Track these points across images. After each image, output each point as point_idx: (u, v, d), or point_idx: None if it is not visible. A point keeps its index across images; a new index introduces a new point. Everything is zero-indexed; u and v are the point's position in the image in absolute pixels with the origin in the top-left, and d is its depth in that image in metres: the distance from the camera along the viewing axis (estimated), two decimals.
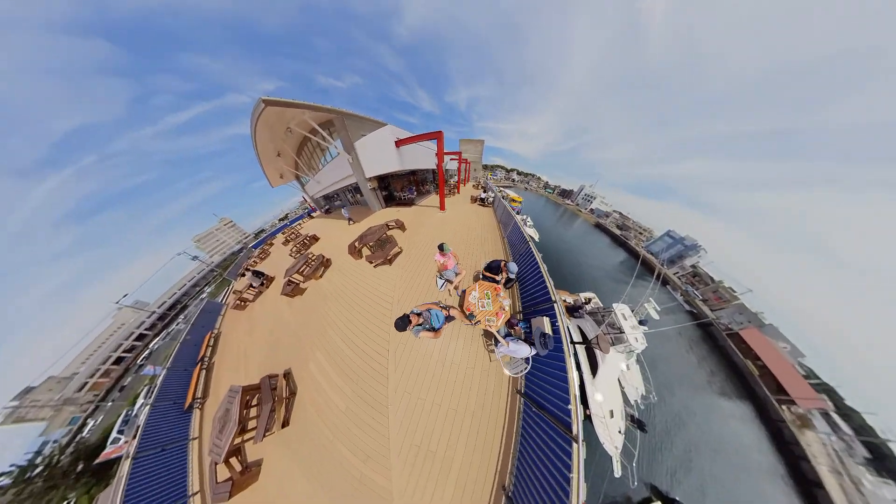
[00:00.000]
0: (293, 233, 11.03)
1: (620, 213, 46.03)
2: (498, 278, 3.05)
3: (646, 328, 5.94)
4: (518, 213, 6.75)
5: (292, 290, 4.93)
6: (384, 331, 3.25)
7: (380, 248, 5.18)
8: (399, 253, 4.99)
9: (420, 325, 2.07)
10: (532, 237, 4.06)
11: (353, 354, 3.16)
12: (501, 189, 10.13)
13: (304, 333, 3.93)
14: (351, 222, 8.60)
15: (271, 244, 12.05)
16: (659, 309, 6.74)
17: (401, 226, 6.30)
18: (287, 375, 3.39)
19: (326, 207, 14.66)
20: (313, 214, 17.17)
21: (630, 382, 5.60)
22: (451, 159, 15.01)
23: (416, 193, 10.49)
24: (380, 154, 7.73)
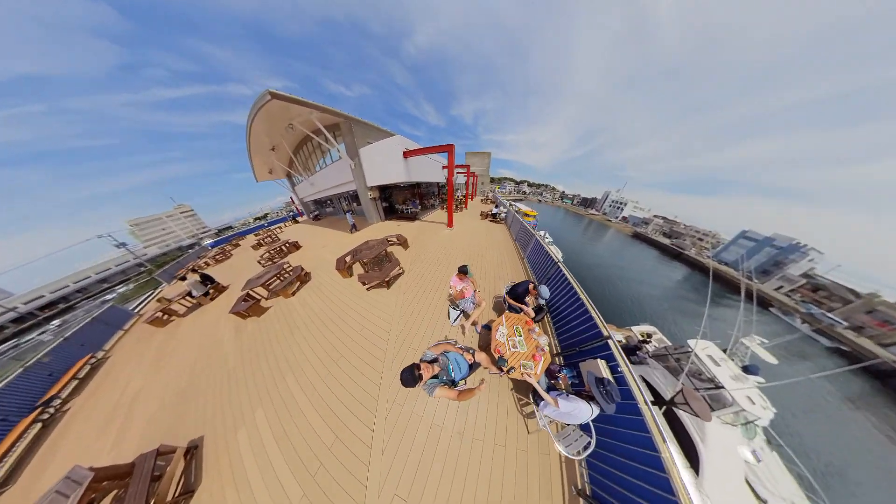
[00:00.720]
0: (269, 235, 10.49)
1: (664, 218, 40.65)
2: (526, 306, 2.53)
3: (759, 378, 3.96)
4: (534, 227, 6.73)
5: (248, 307, 3.92)
6: (372, 382, 2.47)
7: (377, 266, 4.74)
8: (400, 274, 4.64)
9: (436, 376, 1.59)
10: (556, 256, 3.48)
11: (320, 421, 2.20)
12: (512, 203, 10.60)
13: (247, 376, 2.86)
14: (354, 230, 8.57)
15: (236, 245, 11.40)
16: (769, 344, 4.78)
17: (403, 242, 6.02)
18: (192, 452, 2.20)
19: (315, 213, 14.96)
20: (299, 219, 17.35)
21: (772, 486, 3.33)
22: (459, 173, 15.99)
23: (419, 207, 10.89)
24: (385, 163, 8.04)
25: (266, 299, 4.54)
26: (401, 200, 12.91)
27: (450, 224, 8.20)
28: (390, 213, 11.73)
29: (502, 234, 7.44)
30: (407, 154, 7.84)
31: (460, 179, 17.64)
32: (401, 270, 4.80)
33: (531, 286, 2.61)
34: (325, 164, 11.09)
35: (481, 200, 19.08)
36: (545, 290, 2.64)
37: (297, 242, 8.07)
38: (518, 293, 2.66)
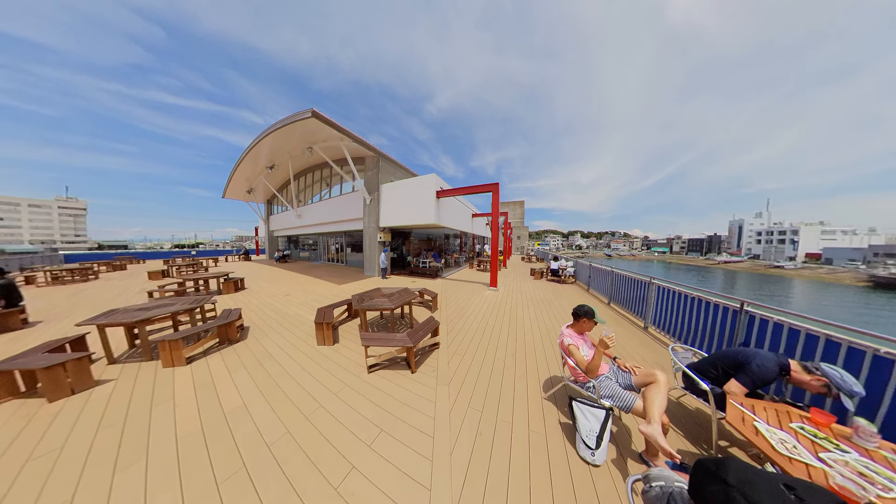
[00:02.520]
0: (192, 266, 10.48)
1: None
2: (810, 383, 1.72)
3: None
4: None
5: (48, 372, 2.30)
6: None
7: (388, 330, 3.89)
8: (433, 347, 3.47)
9: None
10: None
11: None
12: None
13: None
14: (383, 276, 9.05)
15: (119, 267, 11.15)
16: None
17: (431, 299, 5.41)
18: None
19: (284, 253, 15.71)
20: (253, 256, 18.15)
21: None
22: (487, 224, 17.59)
23: (442, 262, 11.08)
24: (409, 203, 8.83)
25: (114, 361, 2.85)
26: (414, 252, 13.31)
27: (493, 283, 7.67)
28: (399, 266, 11.72)
29: (581, 296, 6.69)
30: (441, 194, 8.67)
31: (484, 232, 19.52)
32: (434, 342, 3.63)
33: (798, 365, 1.81)
34: (327, 195, 12.46)
35: (522, 259, 20.26)
36: (847, 379, 1.66)
37: (241, 280, 7.37)
38: (755, 373, 1.82)
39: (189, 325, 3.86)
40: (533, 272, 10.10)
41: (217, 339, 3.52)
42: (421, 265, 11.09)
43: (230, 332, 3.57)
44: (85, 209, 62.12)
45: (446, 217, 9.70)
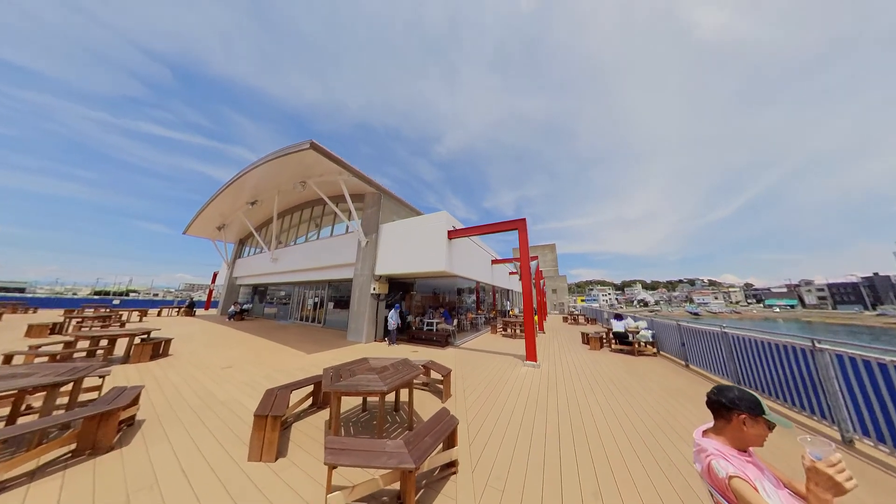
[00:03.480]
0: (103, 319, 9.66)
1: None
2: None
3: None
4: None
5: None
6: None
7: (372, 433, 2.76)
8: (449, 474, 2.29)
9: None
10: None
11: None
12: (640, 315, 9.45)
13: None
14: (391, 341, 8.50)
15: None
16: None
17: (443, 380, 4.17)
18: None
19: (241, 308, 14.58)
20: (199, 310, 17.57)
21: None
22: (512, 272, 17.34)
23: (454, 325, 9.79)
24: (413, 246, 8.68)
25: None
26: (417, 310, 12.35)
27: (531, 355, 6.33)
28: (398, 330, 10.69)
29: (677, 373, 5.08)
30: (453, 234, 8.46)
31: (508, 284, 18.44)
32: (449, 459, 2.42)
33: None
34: (315, 237, 12.64)
35: (564, 319, 18.40)
36: None
37: (165, 344, 6.37)
38: None
39: (37, 416, 2.86)
40: (586, 338, 8.72)
41: (75, 444, 2.46)
42: (426, 327, 9.90)
43: (104, 430, 2.55)
44: None
45: (460, 263, 9.19)
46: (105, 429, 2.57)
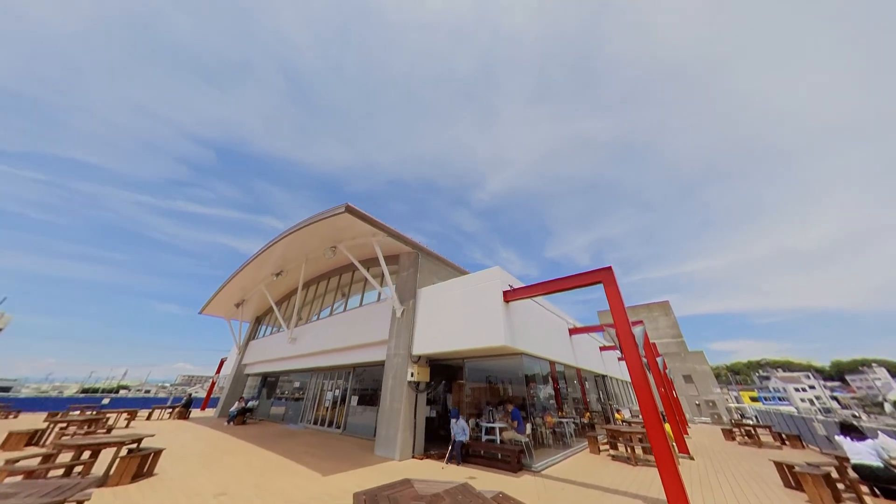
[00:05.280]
0: (95, 424, 10.52)
1: None
2: None
3: None
4: None
5: None
6: None
7: None
8: None
9: None
10: None
11: None
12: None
13: None
14: (457, 460, 7.74)
15: None
16: None
17: None
18: None
19: (243, 406, 14.91)
20: (192, 410, 17.28)
21: None
22: (604, 348, 15.29)
23: (526, 433, 8.08)
24: (459, 315, 8.47)
25: None
26: (469, 409, 11.03)
27: (679, 499, 4.62)
28: (434, 437, 9.45)
29: None
30: (511, 295, 7.97)
31: (614, 365, 15.64)
32: None
33: None
34: (340, 308, 13.20)
35: (727, 434, 13.21)
36: None
37: (153, 457, 6.40)
38: None
39: None
40: (792, 476, 6.37)
41: None
42: (484, 436, 8.49)
43: None
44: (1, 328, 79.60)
45: (524, 335, 8.34)
46: None
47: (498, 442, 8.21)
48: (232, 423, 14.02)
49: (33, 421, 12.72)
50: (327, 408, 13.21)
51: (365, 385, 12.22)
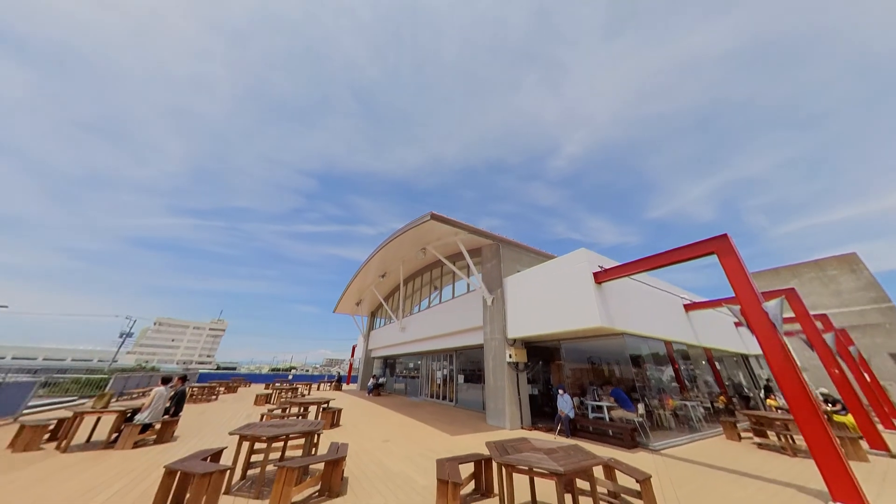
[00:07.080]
0: (293, 392, 15.05)
1: None
2: None
3: None
4: None
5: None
6: None
7: None
8: None
9: None
10: None
11: None
12: None
13: None
14: (565, 432, 8.23)
15: (232, 389, 17.39)
16: None
17: (643, 485, 3.57)
18: None
19: (377, 381, 18.22)
20: (344, 385, 23.27)
21: None
22: (738, 323, 12.89)
23: (639, 412, 7.94)
24: (548, 299, 8.69)
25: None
26: (571, 389, 11.14)
27: (842, 495, 4.13)
28: (537, 413, 10.18)
29: None
30: (602, 276, 7.78)
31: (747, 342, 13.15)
32: None
33: None
34: (437, 300, 14.97)
35: None
36: None
37: (338, 413, 9.13)
38: None
39: (300, 455, 4.83)
40: None
41: (318, 487, 3.93)
42: (591, 414, 8.74)
43: (335, 477, 4.06)
44: (224, 330, 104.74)
45: (624, 315, 8.07)
46: (335, 476, 4.00)
47: (607, 419, 8.32)
48: (370, 394, 17.28)
49: (259, 389, 18.42)
50: (439, 385, 15.03)
51: (469, 365, 13.39)
